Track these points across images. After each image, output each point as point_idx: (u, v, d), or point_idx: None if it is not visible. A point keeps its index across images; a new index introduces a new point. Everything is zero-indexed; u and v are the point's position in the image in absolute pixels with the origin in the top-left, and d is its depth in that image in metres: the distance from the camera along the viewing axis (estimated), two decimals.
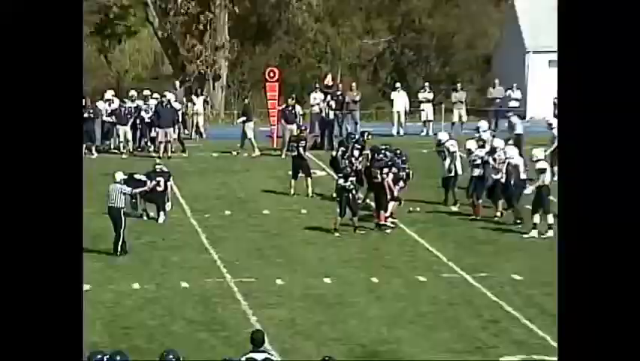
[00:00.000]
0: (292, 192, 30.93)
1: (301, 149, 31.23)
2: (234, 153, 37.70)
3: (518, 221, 27.06)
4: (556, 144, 31.21)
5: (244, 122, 38.16)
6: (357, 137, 30.81)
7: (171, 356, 14.13)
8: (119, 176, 25.28)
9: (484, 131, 31.24)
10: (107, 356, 14.22)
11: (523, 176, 27.20)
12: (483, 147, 28.93)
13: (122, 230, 24.77)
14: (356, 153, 28.71)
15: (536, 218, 26.21)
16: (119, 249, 24.72)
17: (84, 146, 36.57)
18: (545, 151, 28.53)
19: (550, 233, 25.81)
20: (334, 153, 30.71)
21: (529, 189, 26.47)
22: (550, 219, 26.06)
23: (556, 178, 26.78)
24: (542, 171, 26.42)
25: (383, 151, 28.51)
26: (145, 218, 28.08)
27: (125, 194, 25.05)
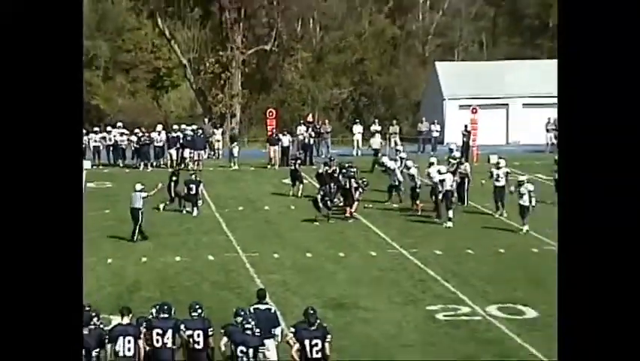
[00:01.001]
0: (292, 193, 30.72)
1: (298, 165, 31.32)
2: (232, 167, 37.47)
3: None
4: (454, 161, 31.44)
5: (232, 144, 38.25)
6: (347, 166, 29.15)
7: (197, 306, 14.19)
8: (139, 186, 24.85)
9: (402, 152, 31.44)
10: (158, 306, 14.29)
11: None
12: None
13: (140, 222, 24.42)
14: (342, 178, 28.27)
15: (450, 213, 26.32)
16: (137, 235, 24.39)
17: (142, 163, 36.65)
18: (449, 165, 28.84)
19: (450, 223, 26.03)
20: (320, 170, 29.96)
21: (440, 196, 26.60)
22: (451, 213, 26.19)
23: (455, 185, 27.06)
24: (444, 180, 26.62)
25: (349, 167, 28.66)
26: (184, 212, 27.94)
27: (143, 198, 24.53)
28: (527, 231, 25.10)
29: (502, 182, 27.34)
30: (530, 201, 25.22)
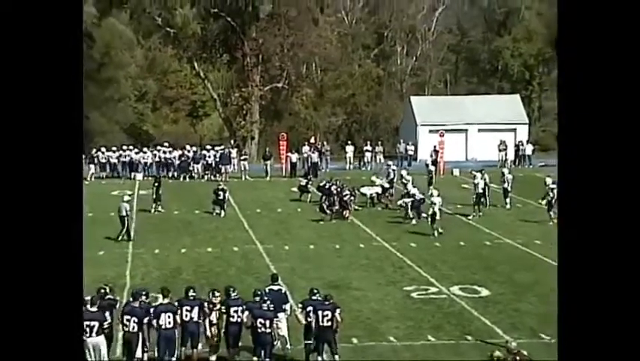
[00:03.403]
0: (300, 198, 30.34)
1: (308, 184, 30.74)
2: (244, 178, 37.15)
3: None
4: (431, 174, 31.59)
5: (244, 160, 37.74)
6: (343, 185, 28.49)
7: (232, 289, 14.17)
8: (126, 197, 24.06)
9: (392, 168, 31.35)
10: (185, 289, 14.11)
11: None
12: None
13: (127, 226, 23.28)
14: (347, 192, 27.68)
15: (422, 215, 25.97)
16: (129, 236, 23.29)
17: (182, 175, 36.42)
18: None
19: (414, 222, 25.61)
20: (322, 183, 28.94)
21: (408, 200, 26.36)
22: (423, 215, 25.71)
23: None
24: (414, 192, 26.50)
25: (341, 184, 28.38)
26: (214, 214, 27.76)
27: (125, 208, 23.39)
28: (438, 235, 23.88)
29: (479, 190, 27.30)
30: (439, 210, 24.21)
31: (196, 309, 13.65)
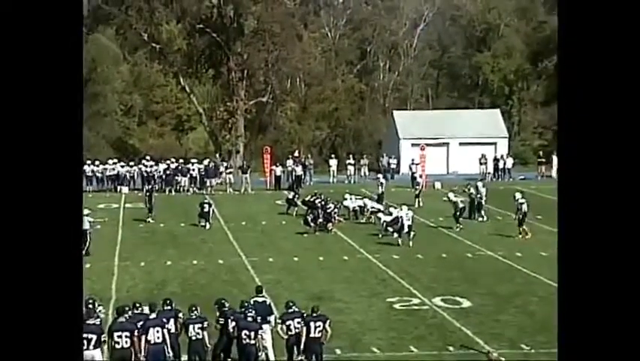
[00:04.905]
0: (288, 212, 30.15)
1: (295, 198, 30.59)
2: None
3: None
4: (418, 186, 31.80)
5: (229, 173, 37.64)
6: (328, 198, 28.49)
7: (223, 301, 14.13)
8: (86, 211, 22.68)
9: (381, 181, 31.50)
10: (162, 301, 14.09)
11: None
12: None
13: (88, 239, 22.48)
14: (330, 205, 27.73)
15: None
16: (86, 251, 22.07)
17: (167, 188, 36.29)
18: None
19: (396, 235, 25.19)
20: (307, 198, 28.71)
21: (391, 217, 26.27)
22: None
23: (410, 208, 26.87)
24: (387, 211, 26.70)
25: (325, 198, 28.35)
26: (200, 227, 27.72)
27: (89, 221, 22.91)
28: (409, 246, 24.13)
29: (461, 204, 27.47)
30: (410, 225, 24.53)
31: (172, 321, 13.51)
